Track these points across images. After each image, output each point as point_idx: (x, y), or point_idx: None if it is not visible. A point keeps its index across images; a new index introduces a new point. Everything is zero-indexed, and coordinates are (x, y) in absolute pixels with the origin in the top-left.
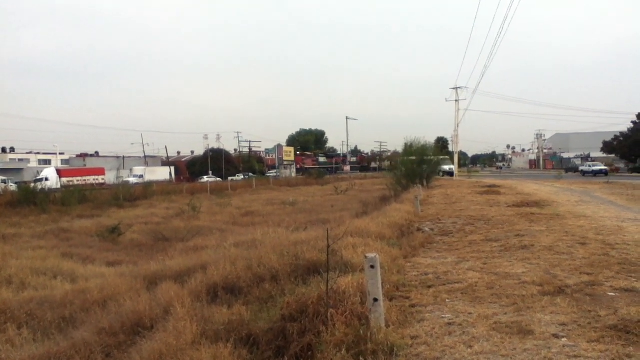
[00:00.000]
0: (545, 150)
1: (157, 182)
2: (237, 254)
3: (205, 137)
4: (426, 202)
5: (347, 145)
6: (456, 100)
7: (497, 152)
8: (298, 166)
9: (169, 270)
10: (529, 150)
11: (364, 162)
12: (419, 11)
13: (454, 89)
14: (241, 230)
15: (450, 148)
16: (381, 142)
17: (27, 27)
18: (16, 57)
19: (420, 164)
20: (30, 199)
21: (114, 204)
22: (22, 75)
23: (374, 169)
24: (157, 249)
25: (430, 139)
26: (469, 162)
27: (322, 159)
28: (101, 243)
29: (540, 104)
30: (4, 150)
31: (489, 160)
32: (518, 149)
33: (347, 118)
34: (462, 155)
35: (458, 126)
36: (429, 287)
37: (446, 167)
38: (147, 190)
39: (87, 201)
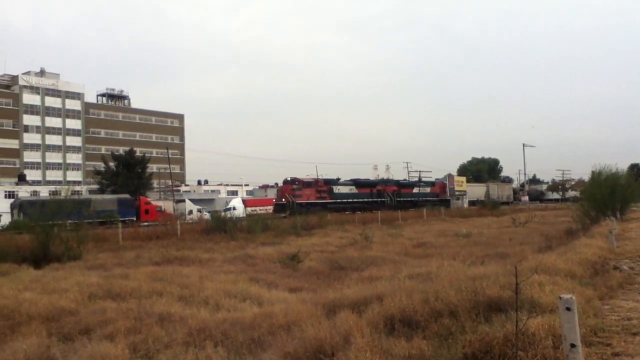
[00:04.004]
0: None
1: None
2: (412, 286)
3: (375, 168)
4: (621, 237)
5: (525, 173)
6: None
7: None
8: (284, 200)
9: (345, 299)
10: None
11: (440, 192)
12: (602, 21)
13: None
14: (414, 262)
15: None
16: (563, 170)
17: (213, 74)
18: (206, 100)
19: (612, 194)
20: (221, 226)
21: (292, 232)
22: (213, 117)
23: (557, 199)
24: (334, 277)
25: (622, 166)
26: None
27: (341, 189)
28: (282, 269)
29: None
30: (199, 182)
31: None
32: None
33: (523, 145)
34: None
35: None
36: (634, 334)
37: None
38: (322, 220)
39: (268, 229)
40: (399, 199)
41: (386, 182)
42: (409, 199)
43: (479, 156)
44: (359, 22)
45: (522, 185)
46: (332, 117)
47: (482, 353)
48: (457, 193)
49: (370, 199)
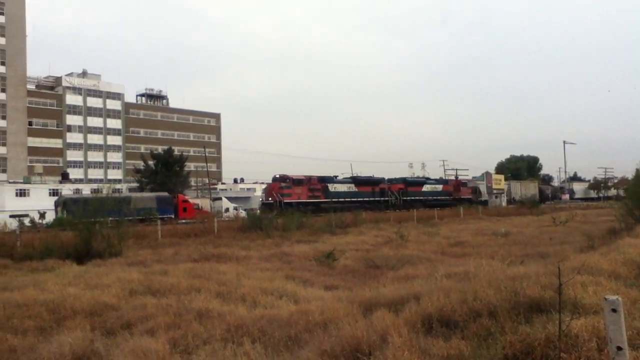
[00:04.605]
0: None
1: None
2: (449, 285)
3: (410, 166)
4: None
5: (565, 172)
6: None
7: None
8: (271, 200)
9: (382, 298)
10: None
11: (455, 191)
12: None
13: None
14: (451, 261)
15: None
16: (606, 168)
17: (248, 73)
18: (241, 98)
19: None
20: (256, 224)
21: (327, 230)
22: (248, 115)
23: (599, 198)
24: (369, 276)
25: None
26: None
27: (338, 188)
28: (318, 267)
29: None
30: (235, 180)
31: None
32: None
33: (564, 142)
34: None
35: None
36: None
37: None
38: (357, 218)
39: (303, 227)
40: (405, 198)
41: (391, 179)
42: (417, 197)
43: (519, 154)
44: (398, 19)
45: (563, 183)
46: (368, 115)
47: (523, 354)
48: (494, 191)
49: (371, 198)
